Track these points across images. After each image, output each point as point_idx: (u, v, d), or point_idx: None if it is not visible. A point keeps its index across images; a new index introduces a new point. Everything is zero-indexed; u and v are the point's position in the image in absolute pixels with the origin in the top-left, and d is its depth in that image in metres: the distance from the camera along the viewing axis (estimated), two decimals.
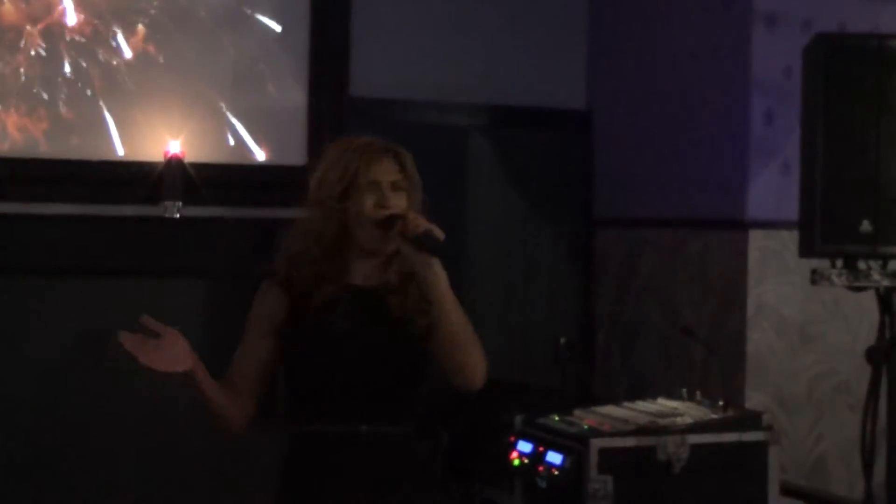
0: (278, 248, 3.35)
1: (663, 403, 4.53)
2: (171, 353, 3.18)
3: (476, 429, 5.27)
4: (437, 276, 3.15)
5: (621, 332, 5.93)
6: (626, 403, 4.57)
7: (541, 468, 4.22)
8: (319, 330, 3.23)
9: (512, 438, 4.43)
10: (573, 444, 4.16)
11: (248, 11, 5.67)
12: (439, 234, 3.14)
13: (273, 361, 3.32)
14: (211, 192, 5.46)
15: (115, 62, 5.48)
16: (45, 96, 5.40)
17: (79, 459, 5.39)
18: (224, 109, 5.62)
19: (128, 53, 5.49)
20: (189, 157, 5.43)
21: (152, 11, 5.53)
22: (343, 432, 3.21)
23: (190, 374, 3.19)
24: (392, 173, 3.27)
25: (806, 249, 4.00)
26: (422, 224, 3.14)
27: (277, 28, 5.69)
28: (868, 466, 3.92)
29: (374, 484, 3.24)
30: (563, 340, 5.79)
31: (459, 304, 3.20)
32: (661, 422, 4.24)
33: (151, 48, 5.52)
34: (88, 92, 5.45)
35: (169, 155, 5.39)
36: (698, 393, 4.57)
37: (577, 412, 4.45)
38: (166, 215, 5.38)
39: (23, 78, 5.38)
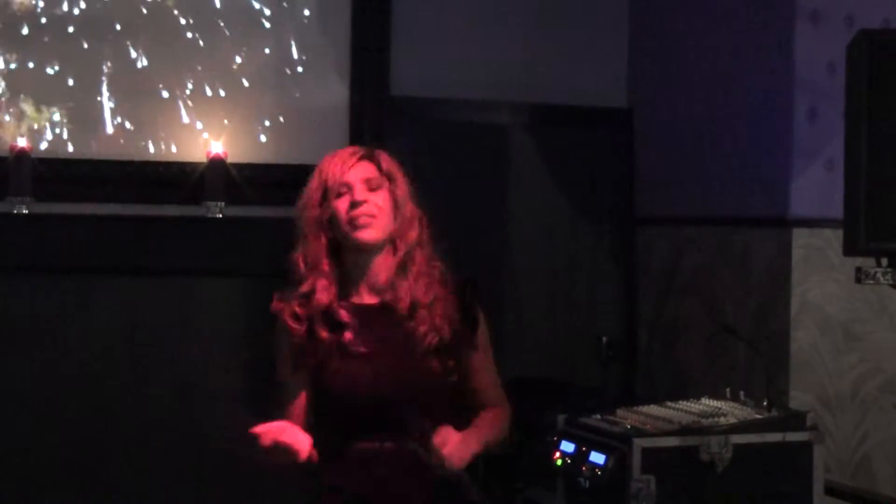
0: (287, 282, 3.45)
1: (707, 403, 4.51)
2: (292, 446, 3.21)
3: (518, 429, 5.32)
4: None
5: (664, 331, 5.91)
6: (669, 403, 4.55)
7: (583, 468, 4.21)
8: (332, 356, 3.30)
9: (554, 438, 4.43)
10: (616, 444, 4.15)
11: (289, 11, 5.69)
12: (449, 465, 3.21)
13: (307, 391, 3.40)
14: (253, 191, 5.50)
15: (156, 61, 5.50)
16: (87, 96, 5.43)
17: (116, 458, 5.43)
18: (266, 109, 5.65)
19: (168, 53, 5.52)
20: (231, 158, 5.45)
21: (193, 10, 5.56)
22: (374, 447, 3.28)
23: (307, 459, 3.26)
24: (366, 173, 3.38)
25: (850, 248, 3.97)
26: (449, 468, 3.23)
27: (318, 27, 5.70)
28: None
29: (407, 490, 3.29)
30: (605, 340, 5.76)
31: (480, 431, 3.39)
32: (705, 422, 4.22)
33: (192, 48, 5.54)
34: (130, 91, 5.49)
35: (211, 155, 5.40)
36: (742, 393, 4.55)
37: (620, 412, 4.44)
38: (209, 215, 5.40)
39: (65, 78, 5.42)
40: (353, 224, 3.33)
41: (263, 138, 5.64)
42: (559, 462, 4.37)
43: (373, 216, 3.34)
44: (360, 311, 3.34)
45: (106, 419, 5.39)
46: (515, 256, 6.05)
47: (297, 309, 3.34)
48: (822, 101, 5.06)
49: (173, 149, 5.51)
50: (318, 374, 3.32)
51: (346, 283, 3.39)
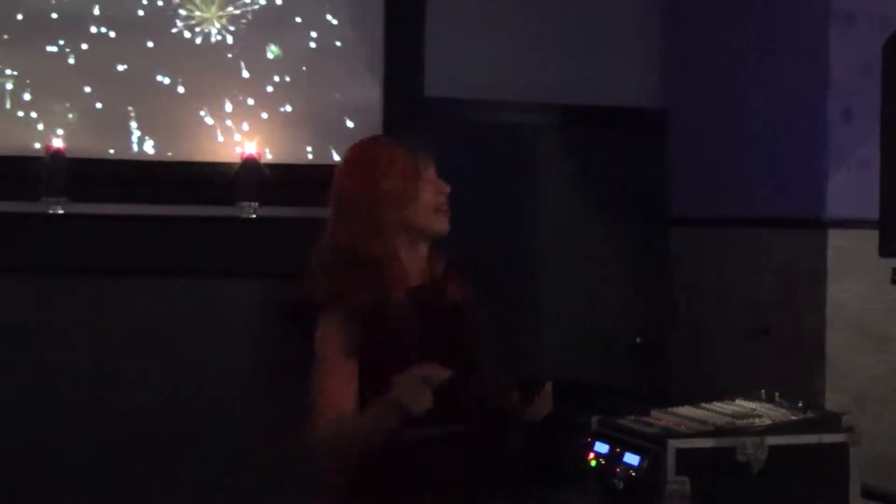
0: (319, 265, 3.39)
1: (741, 404, 4.48)
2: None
3: (552, 430, 5.31)
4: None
5: (697, 333, 5.90)
6: (703, 404, 4.51)
7: (618, 469, 4.19)
8: (399, 337, 3.25)
9: (588, 439, 4.41)
10: (650, 445, 4.12)
11: (324, 11, 5.72)
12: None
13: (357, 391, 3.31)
14: (286, 192, 5.49)
15: (190, 63, 5.54)
16: (121, 97, 5.47)
17: (145, 458, 5.47)
18: (299, 110, 5.67)
19: (203, 54, 5.55)
20: (265, 158, 5.49)
21: (227, 12, 5.58)
22: (432, 434, 3.24)
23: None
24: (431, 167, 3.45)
25: (886, 248, 3.96)
26: (546, 410, 3.43)
27: (352, 28, 5.74)
28: None
29: (448, 484, 3.28)
30: (638, 341, 5.91)
31: None
32: (740, 423, 4.19)
33: (227, 49, 5.57)
34: (164, 92, 5.52)
35: (245, 156, 5.43)
36: (777, 394, 4.53)
37: (654, 413, 4.41)
38: (242, 216, 5.43)
39: (97, 79, 5.46)
40: (439, 213, 3.38)
41: (297, 139, 5.67)
42: (593, 463, 4.35)
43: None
44: (413, 291, 3.32)
45: (146, 415, 5.44)
46: (548, 258, 6.07)
47: (363, 290, 3.27)
48: (857, 101, 5.06)
49: (207, 149, 5.57)
50: (382, 359, 3.25)
51: (398, 269, 3.34)
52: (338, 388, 3.25)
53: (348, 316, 3.25)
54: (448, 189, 3.41)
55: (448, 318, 3.31)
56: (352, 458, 3.24)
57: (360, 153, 3.45)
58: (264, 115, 5.60)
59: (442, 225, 3.39)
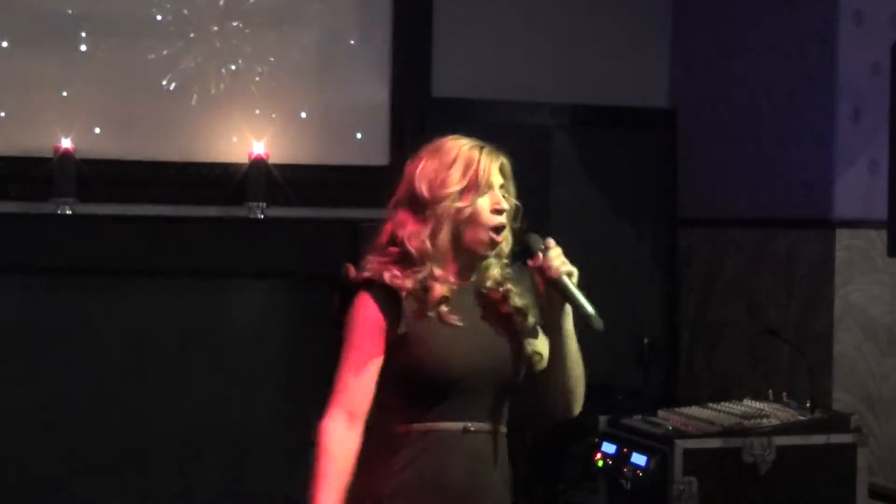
0: (369, 251, 3.26)
1: (749, 404, 4.52)
2: None
3: (560, 430, 5.19)
4: (566, 320, 3.19)
5: (706, 333, 5.90)
6: (711, 404, 4.56)
7: (625, 469, 4.22)
8: (432, 330, 3.16)
9: (596, 439, 4.43)
10: (658, 446, 4.16)
11: (330, 11, 5.71)
12: (574, 271, 3.15)
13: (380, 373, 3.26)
14: (294, 192, 5.53)
15: (197, 61, 5.54)
16: (130, 97, 5.47)
17: (154, 457, 5.49)
18: (307, 110, 5.67)
19: (211, 54, 5.55)
20: (273, 159, 5.49)
21: (235, 9, 5.59)
22: (453, 429, 3.16)
23: None
24: (502, 177, 3.25)
25: (894, 248, 3.97)
26: (560, 265, 3.14)
27: (359, 29, 5.72)
28: None
29: (473, 482, 3.20)
30: (646, 341, 5.85)
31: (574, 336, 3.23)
32: (747, 423, 4.23)
33: (234, 49, 5.57)
34: (173, 94, 5.52)
35: (253, 156, 5.44)
36: (785, 394, 4.55)
37: (662, 413, 4.45)
38: (251, 216, 5.44)
39: (108, 79, 5.46)
40: (495, 232, 3.18)
41: (305, 139, 5.67)
42: (600, 463, 4.38)
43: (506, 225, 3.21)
44: (460, 289, 3.22)
45: (147, 416, 5.45)
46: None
47: (397, 277, 3.16)
48: (865, 101, 5.05)
49: (216, 150, 5.56)
50: (412, 349, 3.16)
51: (450, 264, 3.22)
52: (354, 381, 3.18)
53: (384, 300, 3.17)
54: (503, 206, 3.19)
55: (489, 315, 3.22)
56: None
57: (436, 144, 3.30)
58: (273, 116, 5.60)
59: (485, 249, 3.20)
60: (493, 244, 3.18)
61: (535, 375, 3.23)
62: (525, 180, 5.72)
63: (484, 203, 3.19)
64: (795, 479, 4.18)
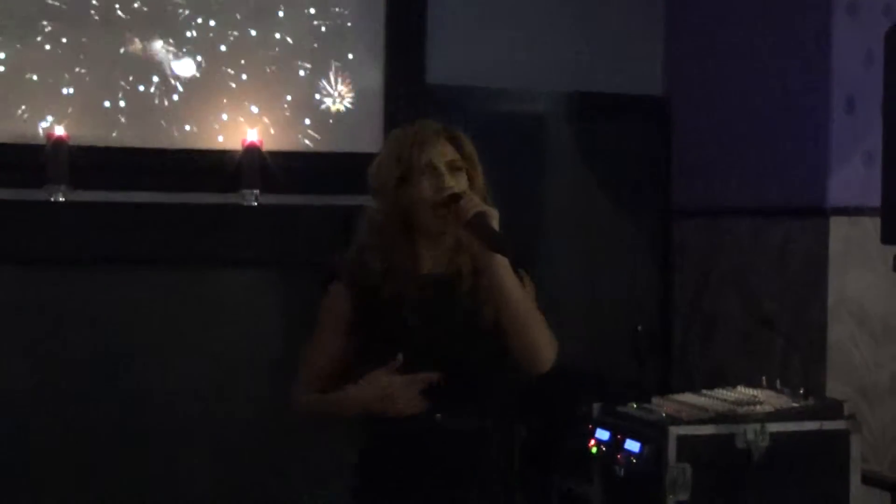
0: (351, 243, 3.38)
1: (743, 391, 4.52)
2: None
3: (554, 421, 5.37)
4: (494, 261, 3.15)
5: (700, 323, 5.90)
6: (704, 391, 4.57)
7: (619, 456, 4.24)
8: (389, 326, 3.24)
9: (590, 427, 4.44)
10: (651, 432, 4.18)
11: None
12: (492, 213, 3.15)
13: (344, 359, 3.34)
14: (288, 180, 5.51)
15: (189, 49, 5.53)
16: (123, 84, 5.46)
17: (147, 446, 5.49)
18: (300, 97, 5.65)
19: (205, 41, 5.54)
20: (266, 146, 5.47)
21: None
22: (419, 425, 3.22)
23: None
24: (448, 154, 3.28)
25: (889, 236, 3.98)
26: (472, 207, 3.15)
27: (353, 15, 5.71)
28: None
29: (450, 477, 3.26)
30: (640, 328, 5.86)
31: (520, 285, 3.21)
32: (741, 410, 4.24)
33: (227, 36, 5.57)
34: (165, 80, 5.51)
35: (246, 143, 5.43)
36: (778, 381, 4.56)
37: (656, 400, 4.46)
38: (244, 203, 5.42)
39: (100, 65, 5.44)
40: (437, 208, 3.23)
41: (298, 126, 5.65)
42: (594, 450, 4.40)
43: (458, 198, 3.23)
44: (422, 281, 3.28)
45: (138, 406, 5.45)
46: (551, 247, 6.04)
47: (360, 269, 3.29)
48: (859, 92, 5.07)
49: (208, 137, 5.54)
50: (370, 343, 3.29)
51: (412, 253, 3.30)
52: (315, 360, 3.36)
53: (350, 290, 3.29)
54: (447, 184, 3.24)
55: (449, 311, 3.27)
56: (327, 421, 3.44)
57: (390, 135, 3.45)
58: (265, 102, 5.59)
59: (439, 226, 3.26)
60: (446, 219, 3.21)
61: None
62: (518, 169, 5.77)
63: (425, 184, 3.23)
64: (789, 465, 4.18)
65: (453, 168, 3.28)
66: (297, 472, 5.47)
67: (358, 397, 3.22)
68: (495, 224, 3.15)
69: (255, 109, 5.57)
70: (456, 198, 3.20)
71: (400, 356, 3.16)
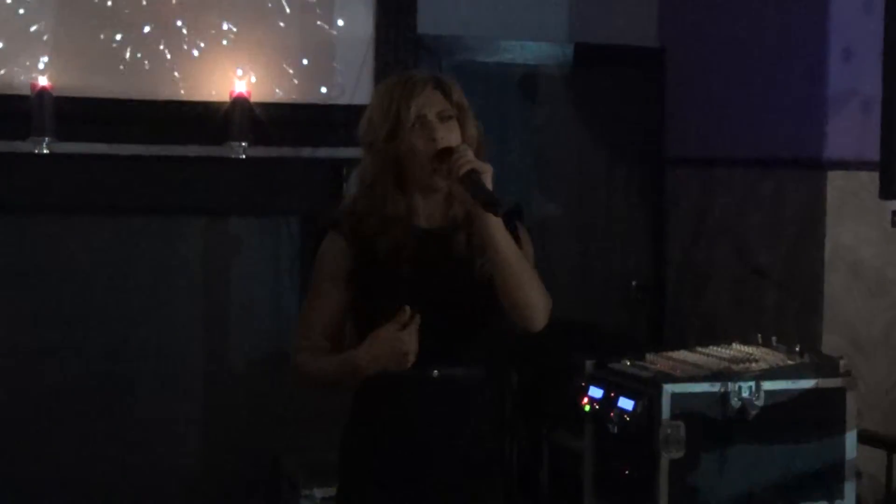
0: (345, 196, 3.35)
1: (738, 348, 4.51)
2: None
3: (546, 371, 5.34)
4: (486, 218, 3.10)
5: (693, 275, 5.89)
6: (699, 348, 4.55)
7: (612, 413, 4.22)
8: (385, 277, 3.20)
9: (583, 384, 4.41)
10: (645, 389, 4.16)
11: None
12: (485, 169, 3.10)
13: (345, 311, 3.30)
14: (277, 131, 5.46)
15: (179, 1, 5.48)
16: (109, 35, 5.40)
17: (132, 396, 5.52)
18: (290, 47, 5.60)
19: None
20: (255, 97, 5.41)
21: None
22: (413, 376, 3.18)
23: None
24: (437, 104, 3.22)
25: (887, 191, 3.95)
26: (464, 163, 3.10)
27: None
28: None
29: (442, 425, 3.24)
30: (634, 283, 5.90)
31: (513, 242, 3.16)
32: (735, 367, 4.22)
33: None
34: (151, 30, 5.45)
35: (235, 94, 5.36)
36: (774, 338, 4.53)
37: (649, 357, 4.44)
38: (232, 156, 5.37)
39: (85, 17, 5.39)
40: (430, 161, 3.17)
41: (287, 77, 5.59)
42: (587, 408, 4.37)
43: (451, 151, 3.16)
44: (418, 233, 3.23)
45: (124, 355, 5.48)
46: (545, 197, 6.05)
47: (356, 221, 3.24)
48: (857, 40, 5.01)
49: (196, 88, 5.47)
50: (366, 294, 3.24)
51: (406, 206, 3.25)
52: (316, 316, 3.29)
53: (345, 242, 3.25)
54: (437, 136, 3.18)
55: (444, 263, 3.24)
56: (328, 387, 3.29)
57: (378, 87, 3.37)
58: (254, 52, 5.53)
59: (431, 180, 3.20)
60: (438, 172, 3.17)
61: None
62: (511, 119, 5.74)
63: (416, 136, 3.18)
64: (784, 423, 4.18)
65: (444, 118, 3.22)
66: (288, 421, 5.48)
67: (373, 356, 3.12)
68: (488, 180, 3.10)
69: (243, 59, 5.52)
70: (448, 152, 3.15)
71: (407, 309, 3.08)
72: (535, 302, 3.20)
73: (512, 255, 3.15)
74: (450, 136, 3.20)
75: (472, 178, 3.08)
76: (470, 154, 3.14)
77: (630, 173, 6.18)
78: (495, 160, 3.19)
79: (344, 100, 5.58)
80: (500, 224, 3.11)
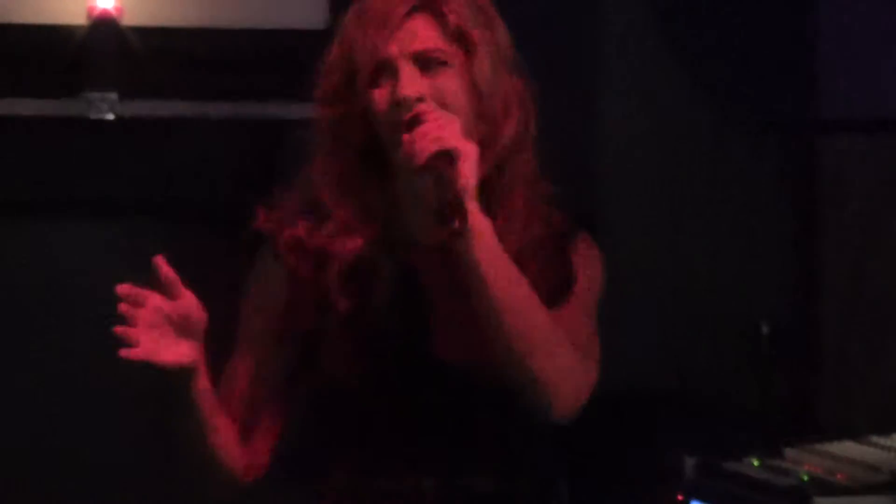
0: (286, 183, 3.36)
1: None
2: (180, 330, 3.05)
3: (614, 477, 5.32)
4: (466, 233, 2.99)
5: (865, 315, 5.71)
6: (874, 437, 4.37)
7: None
8: (344, 320, 3.19)
9: (680, 497, 4.28)
10: None
11: None
12: (460, 153, 2.98)
13: (288, 374, 3.32)
14: (164, 74, 5.37)
15: None
16: None
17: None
18: None
19: None
20: (129, 19, 5.26)
21: None
22: (396, 489, 3.18)
23: (189, 371, 3.07)
24: (421, 39, 3.12)
25: None
26: (430, 142, 2.98)
27: None
28: None
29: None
30: (764, 329, 5.86)
31: (518, 277, 3.06)
32: None
33: None
34: None
35: (96, 12, 5.19)
36: None
37: (790, 452, 4.27)
38: (91, 116, 5.26)
39: None
40: (396, 138, 3.06)
41: None
42: None
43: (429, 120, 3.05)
44: (398, 253, 3.21)
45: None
46: (609, 187, 5.94)
47: (304, 237, 3.23)
48: None
49: (34, 4, 5.43)
50: (313, 347, 3.21)
51: (390, 211, 3.22)
52: (233, 375, 3.30)
53: (279, 259, 3.24)
54: (402, 93, 3.08)
55: (407, 290, 3.21)
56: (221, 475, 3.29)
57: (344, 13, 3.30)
58: None
59: (404, 160, 3.07)
60: (400, 149, 3.04)
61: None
62: (561, 62, 5.59)
63: (378, 95, 3.13)
64: None
65: (428, 63, 3.12)
66: None
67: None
68: (467, 168, 2.98)
69: None
70: (415, 121, 3.05)
71: None
72: (546, 378, 3.09)
73: (510, 295, 3.04)
74: (426, 91, 3.11)
75: (437, 166, 3.00)
76: (443, 123, 3.04)
77: (757, 145, 6.02)
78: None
79: (279, 25, 5.56)
80: (489, 244, 3.03)
